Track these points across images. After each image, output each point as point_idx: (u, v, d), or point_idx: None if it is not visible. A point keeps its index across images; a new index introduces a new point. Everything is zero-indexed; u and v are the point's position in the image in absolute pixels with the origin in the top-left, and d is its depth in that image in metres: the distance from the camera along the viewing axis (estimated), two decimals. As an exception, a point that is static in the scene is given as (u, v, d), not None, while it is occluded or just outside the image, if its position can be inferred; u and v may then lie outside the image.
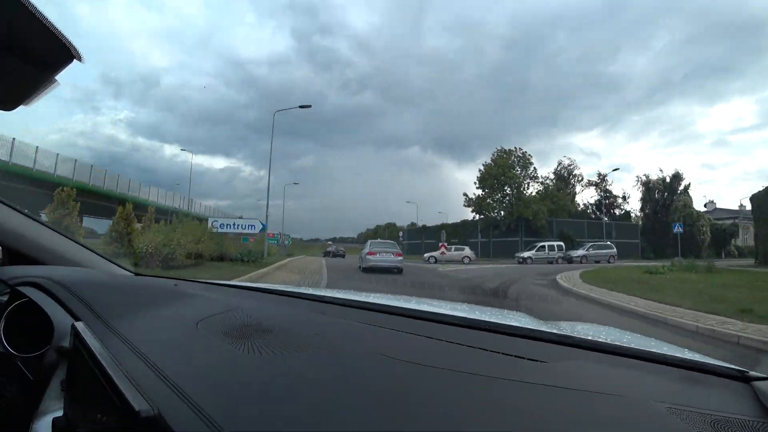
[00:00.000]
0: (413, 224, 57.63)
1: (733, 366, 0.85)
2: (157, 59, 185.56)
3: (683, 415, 0.62)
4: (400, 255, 15.75)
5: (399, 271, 14.91)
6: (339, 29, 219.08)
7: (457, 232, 40.08)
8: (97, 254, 1.67)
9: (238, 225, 18.37)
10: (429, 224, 49.38)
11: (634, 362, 0.88)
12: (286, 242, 40.75)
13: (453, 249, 29.63)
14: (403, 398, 0.64)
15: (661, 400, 0.67)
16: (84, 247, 1.63)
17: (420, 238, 46.17)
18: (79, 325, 0.81)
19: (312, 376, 0.71)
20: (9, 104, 0.74)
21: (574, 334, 1.04)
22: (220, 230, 18.10)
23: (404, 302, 1.46)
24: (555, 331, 1.09)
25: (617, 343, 0.98)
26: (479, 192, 38.34)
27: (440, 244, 29.99)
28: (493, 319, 1.19)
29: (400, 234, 54.37)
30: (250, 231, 18.32)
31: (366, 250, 15.64)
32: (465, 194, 39.27)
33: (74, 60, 0.64)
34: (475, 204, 38.31)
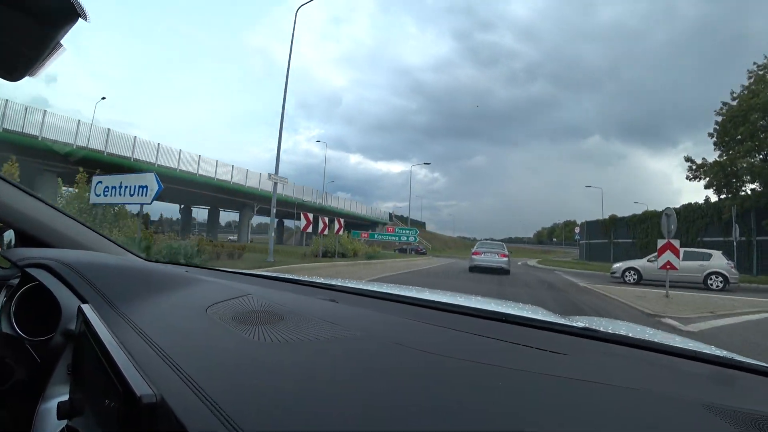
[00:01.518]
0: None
1: (764, 364, 0.82)
2: (337, 81, 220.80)
3: (722, 413, 0.59)
4: (505, 256, 15.36)
5: (506, 272, 14.62)
6: (500, 21, 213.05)
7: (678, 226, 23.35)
8: (110, 240, 1.69)
9: (125, 189, 9.28)
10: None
11: (660, 357, 0.85)
12: (407, 238, 32.60)
13: (685, 255, 13.00)
14: (418, 387, 0.62)
15: (695, 396, 0.64)
16: (96, 232, 1.65)
17: (606, 235, 30.49)
18: (86, 308, 0.82)
19: (323, 364, 0.70)
20: (14, 72, 0.70)
21: (596, 328, 1.02)
22: (103, 200, 10.21)
23: (418, 292, 1.45)
24: (574, 324, 1.05)
25: (645, 338, 0.95)
26: (715, 155, 21.43)
27: (663, 243, 10.30)
28: (510, 311, 1.17)
29: (576, 231, 38.43)
30: (140, 198, 9.18)
31: (472, 251, 15.74)
32: (689, 159, 22.59)
33: (80, 19, 0.61)
34: (716, 172, 20.88)
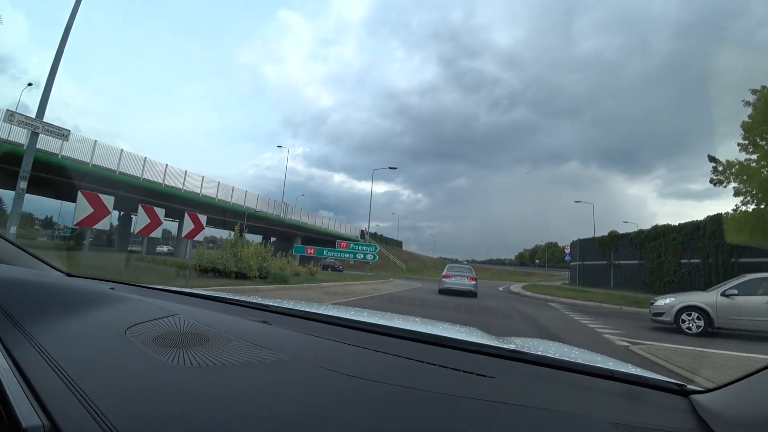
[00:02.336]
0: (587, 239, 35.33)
1: (672, 380, 0.87)
2: (324, 101, 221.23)
3: (625, 429, 0.63)
4: (474, 279, 15.52)
5: (473, 295, 14.59)
6: (484, 49, 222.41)
7: (690, 242, 18.51)
8: (25, 251, 1.54)
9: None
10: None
11: (580, 377, 0.88)
12: (364, 256, 26.64)
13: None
14: (339, 413, 0.62)
15: (606, 415, 0.69)
16: (12, 243, 1.53)
17: (604, 256, 24.70)
18: None
19: (243, 390, 0.69)
20: None
21: (525, 350, 1.04)
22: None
23: (354, 314, 1.43)
24: (506, 346, 1.07)
25: (567, 359, 0.98)
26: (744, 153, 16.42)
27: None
28: (444, 334, 1.17)
29: (566, 251, 33.25)
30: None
31: (442, 274, 15.78)
32: (713, 159, 17.78)
33: None
34: (755, 173, 15.78)
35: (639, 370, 0.99)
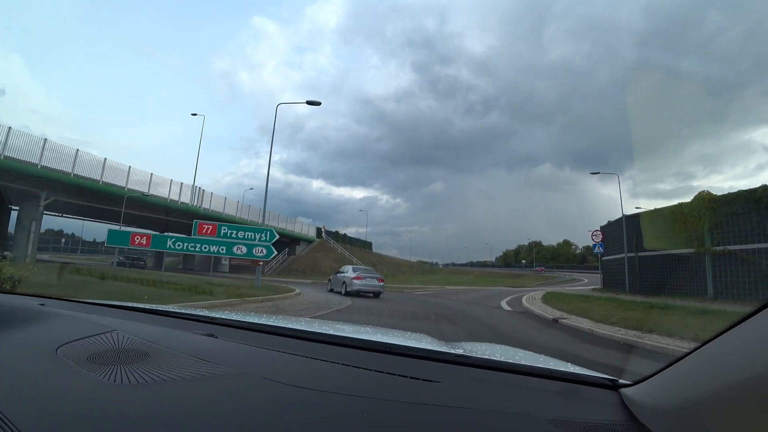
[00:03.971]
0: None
1: (606, 376, 0.92)
2: (300, 107, 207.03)
3: (560, 425, 0.67)
4: (382, 281, 16.25)
5: (378, 295, 15.42)
6: (457, 56, 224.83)
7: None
8: None
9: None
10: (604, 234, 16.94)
11: (521, 378, 0.92)
12: (249, 251, 16.19)
13: None
14: (282, 424, 0.63)
15: (542, 412, 0.73)
16: None
17: (691, 238, 12.83)
18: None
19: (184, 403, 0.68)
20: None
21: (472, 354, 1.07)
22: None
23: (304, 325, 1.43)
24: (452, 351, 1.10)
25: (509, 361, 1.02)
26: None
27: None
28: (394, 342, 1.20)
29: (595, 241, 22.08)
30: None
31: (351, 276, 15.72)
32: None
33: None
34: None
35: (577, 368, 1.04)
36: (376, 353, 1.06)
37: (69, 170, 23.06)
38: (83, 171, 23.91)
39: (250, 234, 15.83)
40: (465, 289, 25.41)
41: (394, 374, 0.88)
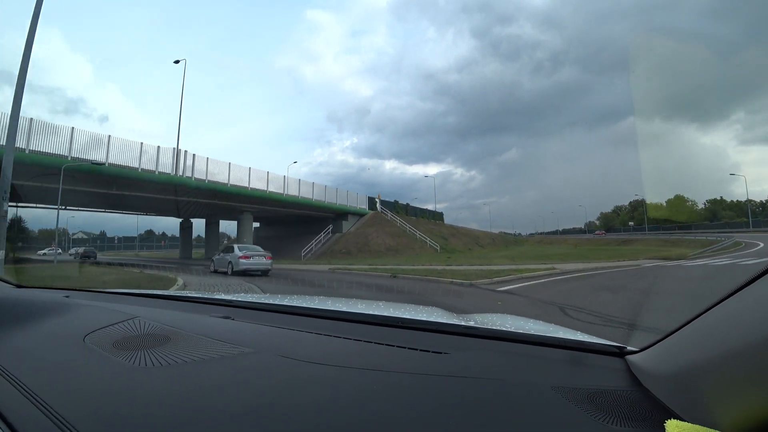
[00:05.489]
0: None
1: (612, 343, 0.92)
2: (363, 91, 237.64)
3: (564, 392, 0.68)
4: (270, 258, 16.10)
5: (266, 273, 15.37)
6: (518, 13, 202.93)
7: None
8: None
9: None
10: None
11: (529, 348, 0.93)
12: None
13: None
14: (299, 397, 0.66)
15: (547, 380, 0.74)
16: None
17: None
18: None
19: (204, 383, 0.71)
20: None
21: (481, 325, 1.09)
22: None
23: (317, 303, 1.44)
24: (461, 323, 1.12)
25: (517, 331, 1.04)
26: None
27: None
28: (404, 315, 1.21)
29: None
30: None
31: (238, 254, 15.32)
32: None
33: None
34: None
35: (585, 336, 1.03)
36: (388, 328, 1.09)
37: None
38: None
39: None
40: (588, 269, 14.65)
41: (405, 347, 0.91)
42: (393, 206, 42.73)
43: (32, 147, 18.85)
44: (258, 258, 15.53)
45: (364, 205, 39.21)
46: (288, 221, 37.70)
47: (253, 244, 21.59)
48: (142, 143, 22.50)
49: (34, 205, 26.56)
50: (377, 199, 41.25)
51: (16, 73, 9.29)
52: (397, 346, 0.92)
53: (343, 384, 0.72)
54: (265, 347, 0.92)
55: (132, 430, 0.55)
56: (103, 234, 77.17)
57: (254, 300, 1.48)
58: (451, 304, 6.62)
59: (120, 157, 21.39)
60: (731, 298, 0.60)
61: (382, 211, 40.10)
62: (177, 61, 29.44)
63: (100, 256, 39.96)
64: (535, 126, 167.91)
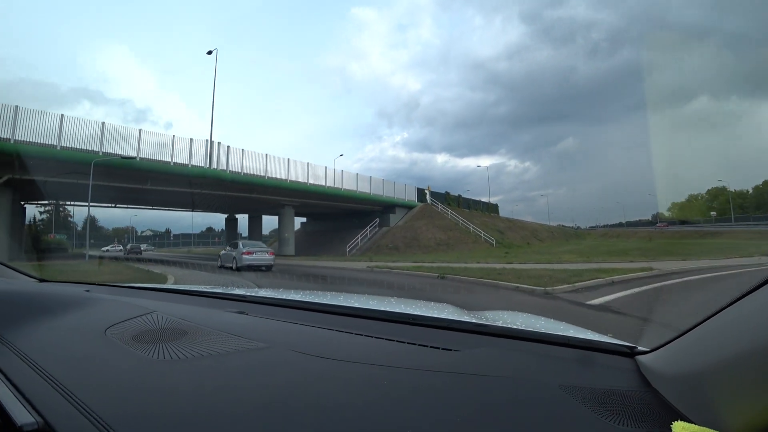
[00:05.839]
0: None
1: (623, 343, 0.91)
2: (412, 85, 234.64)
3: (572, 391, 0.69)
4: (272, 254, 16.54)
5: (270, 268, 15.68)
6: None
7: None
8: None
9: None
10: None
11: (538, 346, 0.94)
12: None
13: None
14: (311, 394, 0.67)
15: (555, 379, 0.74)
16: None
17: None
18: None
19: (219, 376, 0.74)
20: None
21: (492, 323, 1.09)
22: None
23: (329, 299, 1.46)
24: (472, 320, 1.12)
25: (528, 329, 1.04)
26: None
27: None
28: (417, 312, 1.21)
29: None
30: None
31: (241, 251, 15.85)
32: None
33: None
34: None
35: (596, 335, 1.02)
36: (400, 324, 1.10)
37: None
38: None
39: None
40: (697, 269, 11.40)
41: (416, 344, 0.91)
42: (444, 198, 39.83)
43: (63, 143, 18.34)
44: (260, 254, 15.93)
45: (413, 197, 36.73)
46: (334, 216, 36.17)
47: (300, 239, 20.63)
48: (174, 136, 21.88)
49: (70, 202, 26.82)
50: (427, 191, 38.58)
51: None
52: (408, 343, 0.93)
53: (355, 379, 0.73)
54: (279, 342, 0.93)
55: (153, 420, 0.57)
56: (168, 231, 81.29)
57: (267, 295, 1.51)
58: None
59: (151, 153, 20.73)
60: (745, 298, 0.59)
61: (432, 203, 37.39)
62: (210, 52, 28.49)
63: (156, 253, 40.80)
64: (594, 112, 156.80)
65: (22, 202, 25.96)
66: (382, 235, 31.51)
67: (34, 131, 18.00)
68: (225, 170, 22.98)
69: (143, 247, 47.59)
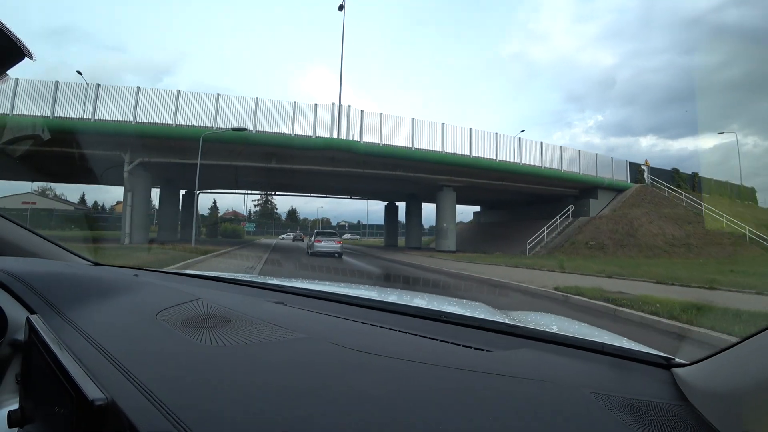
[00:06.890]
0: None
1: (660, 353, 0.90)
2: (605, 60, 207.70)
3: (604, 398, 0.68)
4: (340, 242, 18.34)
5: (340, 255, 17.28)
6: None
7: None
8: (54, 243, 1.60)
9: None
10: None
11: (571, 351, 0.93)
12: None
13: None
14: (348, 385, 0.69)
15: (587, 385, 0.73)
16: (39, 236, 1.58)
17: None
18: (34, 318, 0.82)
19: (263, 364, 0.76)
20: None
21: (524, 324, 1.10)
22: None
23: (364, 293, 1.54)
24: (504, 321, 1.14)
25: (561, 333, 1.04)
26: None
27: None
28: (448, 310, 1.24)
29: None
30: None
31: (313, 239, 18.14)
32: None
33: (26, 58, 0.73)
34: None
35: (632, 344, 1.02)
36: (434, 321, 1.11)
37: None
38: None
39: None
40: None
41: (449, 342, 0.93)
42: (671, 177, 27.68)
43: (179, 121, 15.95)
44: (328, 242, 17.49)
45: (622, 176, 26.06)
46: (513, 203, 28.77)
47: (471, 232, 22.17)
48: (295, 102, 18.19)
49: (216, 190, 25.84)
50: (643, 167, 27.20)
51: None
52: (441, 340, 0.94)
53: (390, 373, 0.75)
54: (317, 333, 0.95)
55: (202, 401, 0.60)
56: (359, 223, 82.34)
57: (306, 286, 1.50)
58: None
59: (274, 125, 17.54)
60: None
61: (653, 185, 25.99)
62: (341, 7, 24.13)
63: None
64: None
65: (183, 191, 26.19)
66: (579, 227, 22.47)
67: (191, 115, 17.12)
68: (358, 141, 17.92)
69: (347, 236, 50.95)
